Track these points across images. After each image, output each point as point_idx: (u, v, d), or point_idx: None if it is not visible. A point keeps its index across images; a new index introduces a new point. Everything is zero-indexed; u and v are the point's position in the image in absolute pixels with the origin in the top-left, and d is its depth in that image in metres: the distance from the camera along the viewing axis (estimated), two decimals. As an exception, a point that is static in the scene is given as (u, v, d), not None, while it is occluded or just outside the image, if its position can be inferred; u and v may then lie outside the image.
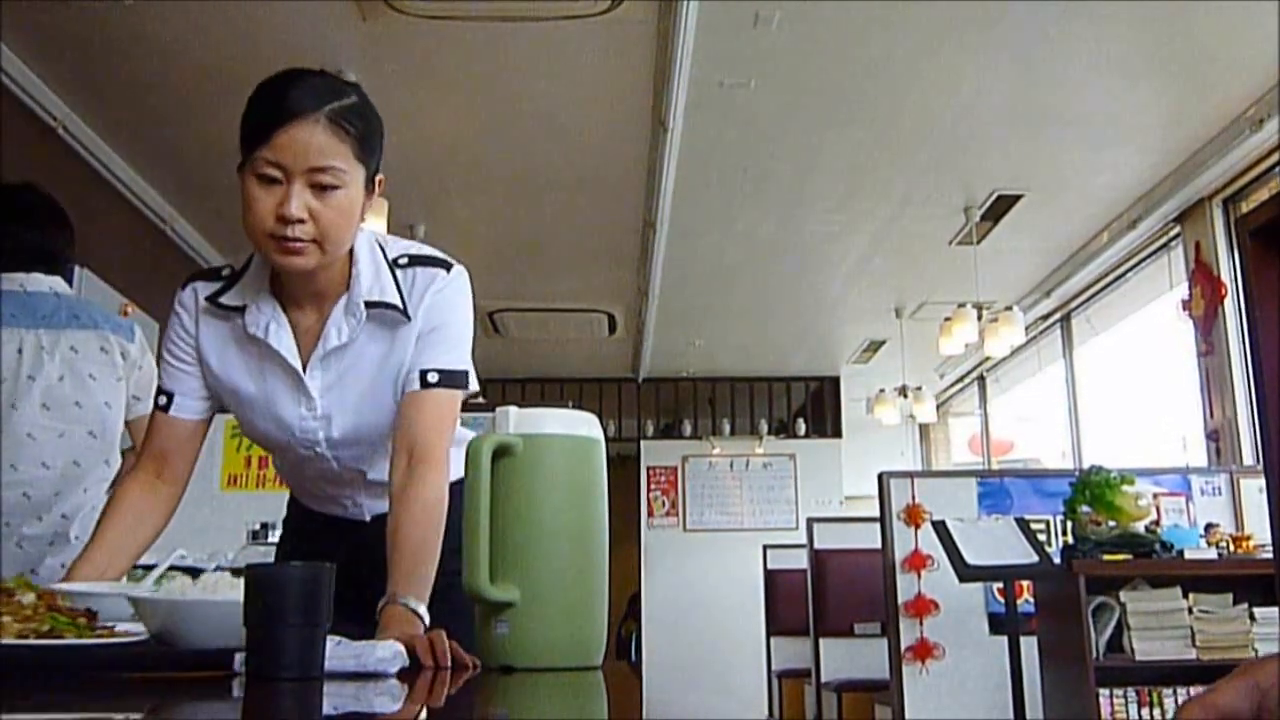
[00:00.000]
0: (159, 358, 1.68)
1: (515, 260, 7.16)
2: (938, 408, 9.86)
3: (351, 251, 1.57)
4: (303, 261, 1.48)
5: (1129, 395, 7.03)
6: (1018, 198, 6.07)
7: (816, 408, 10.32)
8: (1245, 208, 5.44)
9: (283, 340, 1.59)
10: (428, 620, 1.34)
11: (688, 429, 10.14)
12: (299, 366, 1.59)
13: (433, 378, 1.57)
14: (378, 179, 1.55)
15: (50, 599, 1.15)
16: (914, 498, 4.08)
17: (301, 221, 1.44)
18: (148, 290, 5.07)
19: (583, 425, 1.24)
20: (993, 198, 6.07)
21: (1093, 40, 4.47)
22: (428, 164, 5.60)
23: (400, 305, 1.58)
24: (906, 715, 3.96)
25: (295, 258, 1.47)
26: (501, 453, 1.18)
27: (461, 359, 1.62)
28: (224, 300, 1.60)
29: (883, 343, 9.09)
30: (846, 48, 4.53)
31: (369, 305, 1.57)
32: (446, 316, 1.60)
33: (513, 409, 1.22)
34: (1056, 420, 7.73)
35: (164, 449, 1.66)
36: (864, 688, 4.74)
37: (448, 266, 1.63)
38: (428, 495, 1.47)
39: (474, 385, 1.64)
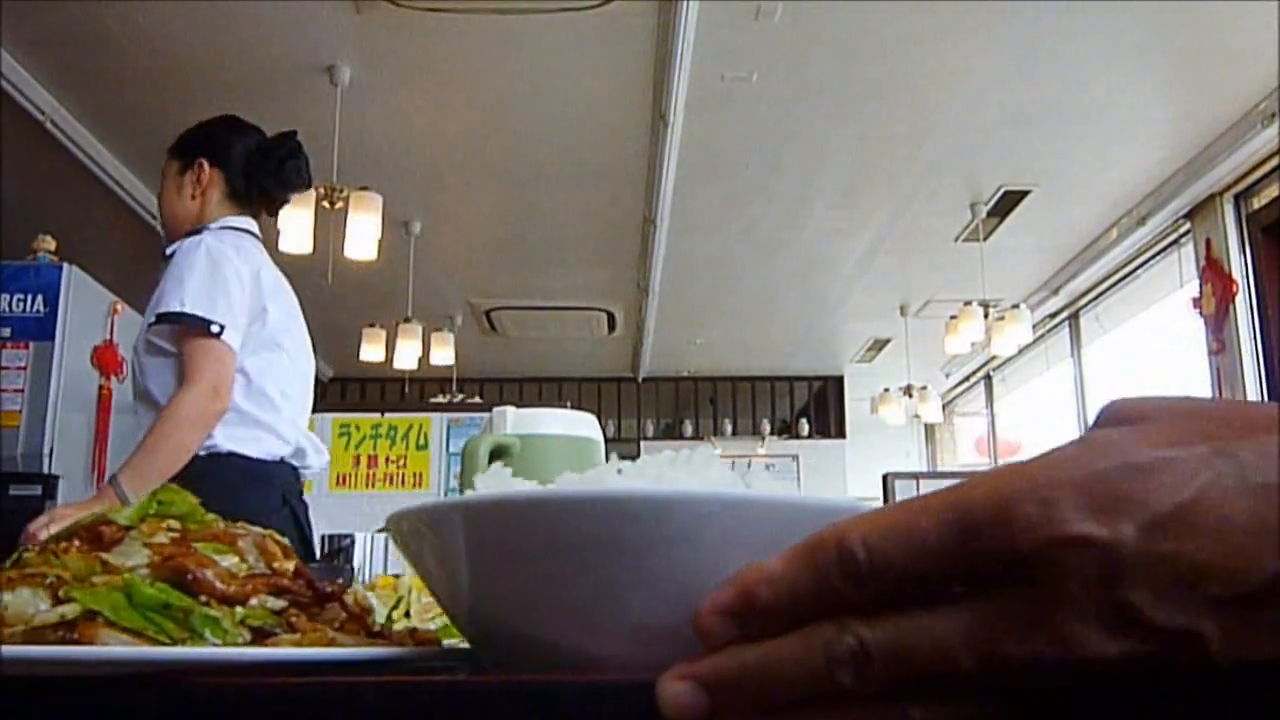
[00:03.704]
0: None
1: (513, 257, 7.08)
2: (943, 407, 9.78)
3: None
4: None
5: (1139, 395, 6.92)
6: (1025, 193, 5.99)
7: (820, 407, 10.24)
8: (1257, 204, 5.36)
9: None
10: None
11: (689, 429, 10.06)
12: None
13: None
14: (199, 162, 2.31)
15: (274, 554, 0.58)
16: (921, 499, 3.98)
17: None
18: (137, 288, 4.98)
19: (582, 425, 1.20)
20: (999, 193, 5.99)
21: (1101, 33, 4.38)
22: (422, 159, 5.52)
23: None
24: None
25: None
26: (499, 453, 1.13)
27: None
28: None
29: (887, 341, 9.01)
30: (850, 41, 4.44)
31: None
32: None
33: (510, 409, 1.19)
34: (1065, 420, 7.64)
35: None
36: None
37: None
38: None
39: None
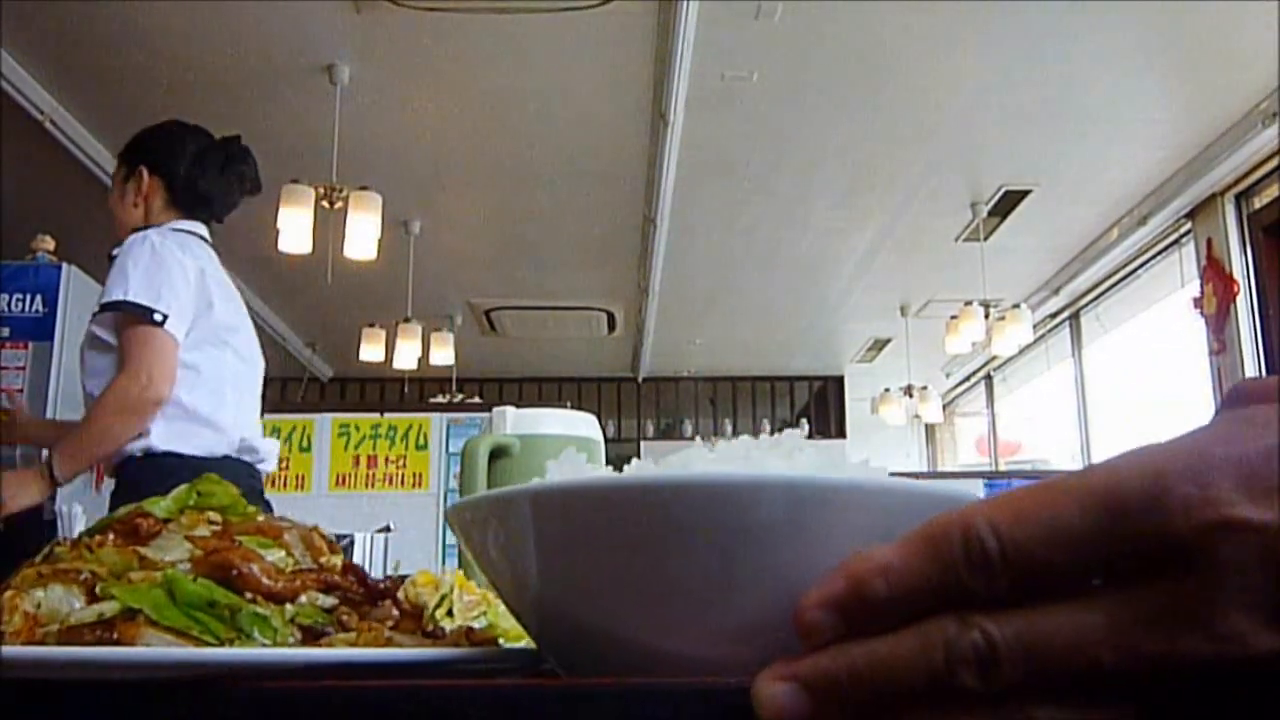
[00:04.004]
0: None
1: (512, 257, 7.07)
2: (944, 408, 9.77)
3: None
4: None
5: (1139, 395, 6.94)
6: (1026, 193, 5.99)
7: (820, 408, 10.24)
8: (1257, 203, 5.36)
9: None
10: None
11: (689, 429, 10.05)
12: None
13: None
14: (139, 170, 2.31)
15: (321, 549, 0.55)
16: (923, 499, 3.98)
17: None
18: (138, 288, 4.96)
19: (581, 426, 1.20)
20: (1000, 193, 5.98)
21: (1102, 32, 4.38)
22: (422, 158, 5.51)
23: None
24: None
25: None
26: (498, 453, 1.13)
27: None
28: None
29: (888, 341, 9.01)
30: (850, 40, 4.44)
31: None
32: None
33: (510, 409, 1.18)
34: (1065, 420, 7.64)
35: None
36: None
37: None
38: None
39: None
